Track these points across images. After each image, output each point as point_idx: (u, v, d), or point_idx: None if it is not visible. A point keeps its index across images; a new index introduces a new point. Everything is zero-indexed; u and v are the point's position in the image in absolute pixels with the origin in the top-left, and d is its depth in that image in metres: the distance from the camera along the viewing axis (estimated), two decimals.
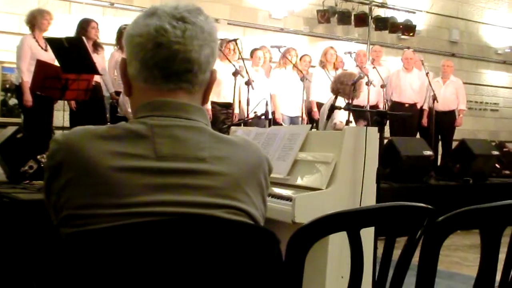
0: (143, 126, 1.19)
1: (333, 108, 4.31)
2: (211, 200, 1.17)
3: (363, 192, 3.02)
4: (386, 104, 8.08)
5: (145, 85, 1.25)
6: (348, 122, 4.53)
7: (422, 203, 1.34)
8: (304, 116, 7.49)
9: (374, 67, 7.92)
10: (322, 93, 7.21)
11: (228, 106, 6.84)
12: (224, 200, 1.19)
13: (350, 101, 4.74)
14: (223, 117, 6.95)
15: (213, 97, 6.98)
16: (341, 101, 4.74)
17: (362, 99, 7.32)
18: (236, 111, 6.90)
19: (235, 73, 6.39)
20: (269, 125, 5.74)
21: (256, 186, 1.27)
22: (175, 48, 1.22)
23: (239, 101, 6.94)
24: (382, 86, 7.74)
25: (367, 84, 7.17)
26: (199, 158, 1.19)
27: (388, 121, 7.80)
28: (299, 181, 3.21)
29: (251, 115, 5.69)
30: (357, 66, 7.75)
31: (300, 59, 7.98)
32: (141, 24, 1.25)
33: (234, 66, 6.47)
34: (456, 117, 8.60)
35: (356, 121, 5.13)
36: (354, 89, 4.85)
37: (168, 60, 1.22)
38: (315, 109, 7.61)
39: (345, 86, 5.02)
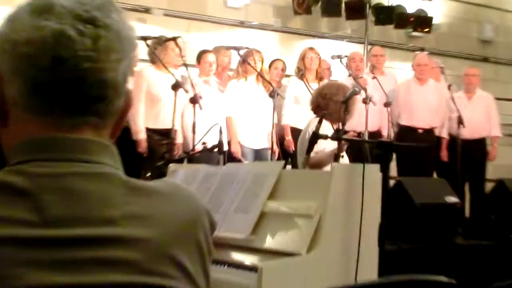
0: (21, 178, 1.16)
1: (316, 136, 4.33)
2: (124, 279, 1.15)
3: (360, 259, 3.03)
4: (392, 130, 8.15)
5: (33, 116, 1.21)
6: (338, 156, 4.55)
7: (443, 276, 1.36)
8: (275, 147, 7.47)
9: (374, 77, 7.94)
10: (300, 115, 7.26)
11: (169, 133, 6.79)
12: (143, 278, 1.17)
13: (341, 127, 4.78)
14: (164, 149, 6.86)
15: (149, 122, 6.90)
16: (327, 127, 4.77)
17: (358, 123, 7.37)
18: (179, 140, 6.88)
19: (176, 86, 6.37)
20: (224, 162, 5.74)
21: (193, 251, 1.25)
22: (85, 67, 1.18)
23: (182, 127, 6.94)
24: (386, 105, 7.73)
25: (364, 101, 7.19)
26: (106, 220, 1.17)
27: (395, 155, 7.89)
28: (268, 243, 3.21)
29: (199, 147, 5.69)
30: (350, 75, 7.76)
31: (270, 66, 8.03)
32: (28, 24, 1.19)
33: (173, 76, 6.46)
34: (488, 147, 8.69)
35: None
36: (346, 109, 4.88)
37: (74, 86, 1.18)
38: (288, 137, 7.65)
39: (328, 102, 5.05)
